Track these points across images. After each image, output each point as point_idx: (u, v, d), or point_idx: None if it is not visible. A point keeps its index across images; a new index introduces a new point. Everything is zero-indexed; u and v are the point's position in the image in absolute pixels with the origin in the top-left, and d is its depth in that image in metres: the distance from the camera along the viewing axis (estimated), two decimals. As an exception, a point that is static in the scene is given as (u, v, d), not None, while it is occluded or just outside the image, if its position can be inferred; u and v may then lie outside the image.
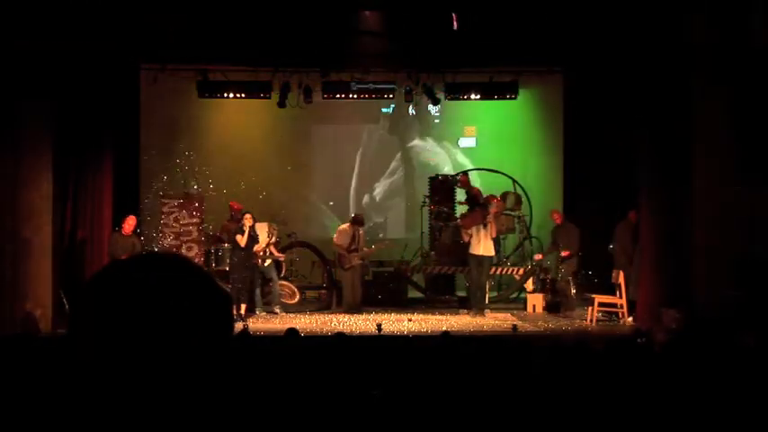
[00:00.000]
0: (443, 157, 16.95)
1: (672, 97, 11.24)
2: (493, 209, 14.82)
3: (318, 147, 16.94)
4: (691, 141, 10.99)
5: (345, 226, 14.02)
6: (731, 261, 10.34)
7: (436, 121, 16.99)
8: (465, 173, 15.68)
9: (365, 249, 14.07)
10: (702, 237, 10.77)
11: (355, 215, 14.19)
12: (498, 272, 14.88)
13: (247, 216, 12.82)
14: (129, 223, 12.68)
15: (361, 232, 14.03)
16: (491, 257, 13.59)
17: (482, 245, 13.37)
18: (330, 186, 17.11)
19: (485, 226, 13.42)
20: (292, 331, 7.98)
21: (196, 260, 14.25)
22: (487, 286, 13.84)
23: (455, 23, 11.89)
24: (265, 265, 13.64)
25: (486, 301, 14.57)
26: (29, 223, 11.14)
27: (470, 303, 13.53)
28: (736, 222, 10.36)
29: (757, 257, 10.11)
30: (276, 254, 13.75)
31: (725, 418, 5.35)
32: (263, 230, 13.44)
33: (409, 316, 13.24)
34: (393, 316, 13.24)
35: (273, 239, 13.67)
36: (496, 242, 15.09)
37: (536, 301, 14.02)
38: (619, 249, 13.03)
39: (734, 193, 10.34)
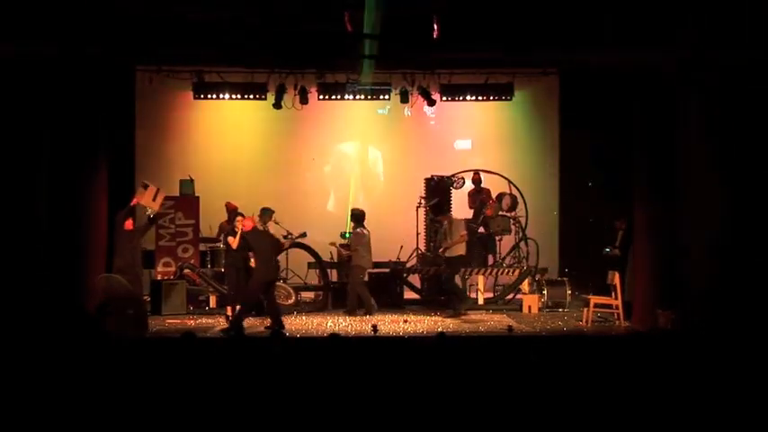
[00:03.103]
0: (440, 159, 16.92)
1: (665, 99, 11.26)
2: (488, 211, 14.86)
3: (314, 148, 16.91)
4: (684, 142, 11.01)
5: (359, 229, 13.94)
6: (725, 262, 10.37)
7: (432, 122, 16.98)
8: (477, 171, 15.68)
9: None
10: (697, 238, 10.79)
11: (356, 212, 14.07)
12: (494, 273, 14.90)
13: (239, 219, 12.79)
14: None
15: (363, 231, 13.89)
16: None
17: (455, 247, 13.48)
18: (326, 187, 17.09)
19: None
20: (277, 333, 7.99)
21: (192, 261, 14.25)
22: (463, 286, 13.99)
23: (435, 31, 11.88)
24: None
25: (481, 302, 14.64)
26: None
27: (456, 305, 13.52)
28: (731, 223, 10.38)
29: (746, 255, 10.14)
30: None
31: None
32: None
33: (405, 317, 13.23)
34: (389, 317, 13.23)
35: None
36: (492, 244, 15.12)
37: (531, 303, 14.02)
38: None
39: (724, 194, 10.38)
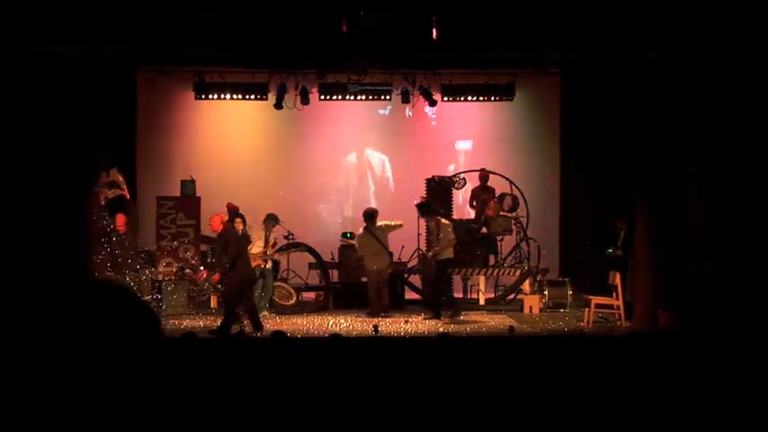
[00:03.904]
0: (441, 159, 16.94)
1: (665, 98, 11.27)
2: (489, 211, 14.85)
3: (315, 148, 16.91)
4: (684, 142, 11.01)
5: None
6: (725, 262, 10.37)
7: (433, 123, 16.98)
8: (483, 170, 15.70)
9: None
10: (699, 238, 10.79)
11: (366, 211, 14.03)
12: (495, 273, 14.88)
13: (237, 220, 12.77)
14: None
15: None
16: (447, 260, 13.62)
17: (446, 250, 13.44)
18: (327, 188, 17.10)
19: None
20: (278, 334, 7.98)
21: (193, 261, 14.26)
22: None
23: (434, 32, 11.90)
24: (265, 267, 13.59)
25: (483, 302, 14.64)
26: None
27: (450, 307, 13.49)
28: (731, 222, 10.38)
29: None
30: (271, 251, 13.66)
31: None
32: (258, 233, 13.39)
33: (406, 317, 13.23)
34: (390, 317, 13.22)
35: (272, 243, 13.63)
36: (493, 244, 15.12)
37: (532, 303, 14.03)
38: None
39: (725, 193, 10.38)
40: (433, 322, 12.85)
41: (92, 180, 12.74)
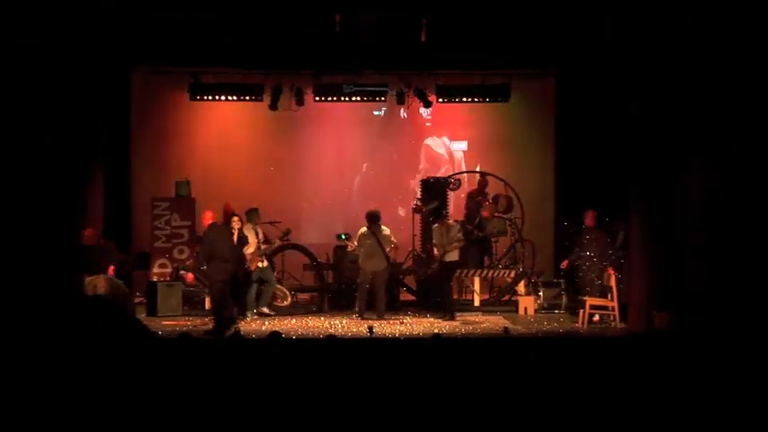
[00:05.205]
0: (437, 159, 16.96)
1: (662, 98, 11.27)
2: (484, 212, 14.87)
3: (310, 149, 16.89)
4: (681, 142, 11.01)
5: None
6: (723, 262, 10.38)
7: (428, 124, 16.98)
8: (483, 174, 15.73)
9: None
10: (694, 238, 10.79)
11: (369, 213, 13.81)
12: (490, 275, 14.88)
13: (235, 219, 12.76)
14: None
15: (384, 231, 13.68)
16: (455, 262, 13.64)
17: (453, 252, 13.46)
18: (322, 189, 17.07)
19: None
20: (275, 335, 7.96)
21: (187, 263, 14.23)
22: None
23: (423, 35, 11.92)
24: (262, 266, 13.56)
25: (477, 303, 14.65)
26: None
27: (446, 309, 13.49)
28: (730, 222, 10.38)
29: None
30: (264, 247, 13.62)
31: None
32: (251, 233, 13.36)
33: (401, 318, 13.22)
34: (384, 319, 13.21)
35: (262, 242, 13.61)
36: (488, 245, 15.11)
37: (527, 304, 14.02)
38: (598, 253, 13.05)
39: (723, 193, 10.38)
40: (428, 322, 12.85)
41: (91, 179, 12.72)
